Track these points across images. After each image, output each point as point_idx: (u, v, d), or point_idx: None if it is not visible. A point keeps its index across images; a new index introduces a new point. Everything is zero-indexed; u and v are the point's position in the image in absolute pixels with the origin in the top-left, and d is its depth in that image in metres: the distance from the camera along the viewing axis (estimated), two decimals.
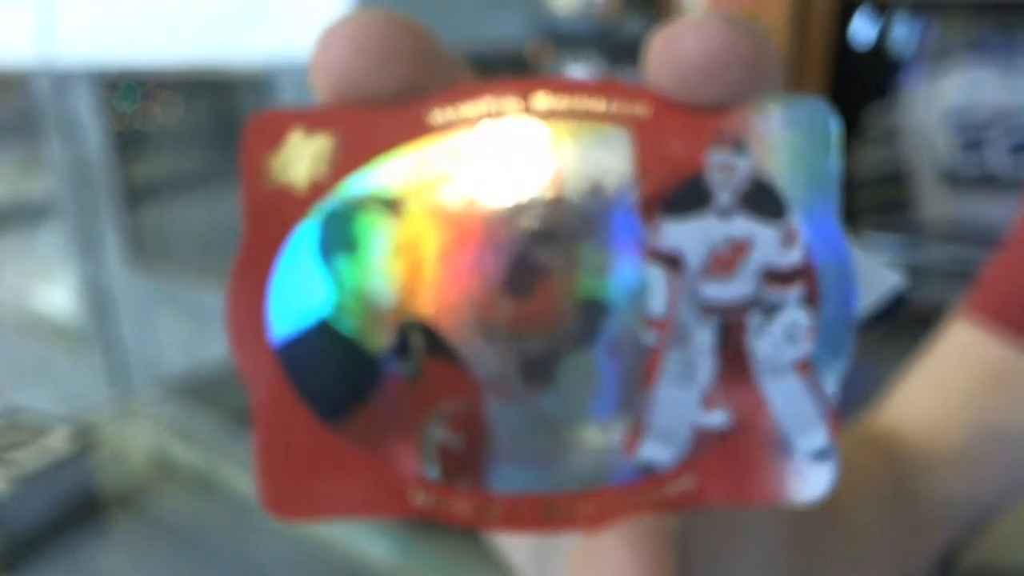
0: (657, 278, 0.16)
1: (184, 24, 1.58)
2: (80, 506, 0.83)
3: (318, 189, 0.16)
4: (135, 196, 1.91)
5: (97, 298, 2.05)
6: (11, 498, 0.78)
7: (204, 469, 0.93)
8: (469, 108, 0.16)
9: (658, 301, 0.16)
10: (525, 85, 0.16)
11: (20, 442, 0.83)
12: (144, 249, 1.92)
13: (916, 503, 0.34)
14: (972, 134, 1.22)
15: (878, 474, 0.34)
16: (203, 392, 1.13)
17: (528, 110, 0.16)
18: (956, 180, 1.25)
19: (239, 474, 0.91)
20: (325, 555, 0.77)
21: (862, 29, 1.31)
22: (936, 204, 1.27)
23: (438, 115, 0.16)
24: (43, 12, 1.82)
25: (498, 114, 0.16)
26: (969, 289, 0.40)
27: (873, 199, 1.28)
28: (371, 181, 0.16)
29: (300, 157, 0.16)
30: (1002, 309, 0.37)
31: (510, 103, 0.16)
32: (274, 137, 0.16)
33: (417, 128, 0.16)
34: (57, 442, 0.84)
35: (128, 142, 1.89)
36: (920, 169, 1.28)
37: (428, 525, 0.84)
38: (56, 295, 2.30)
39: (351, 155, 0.16)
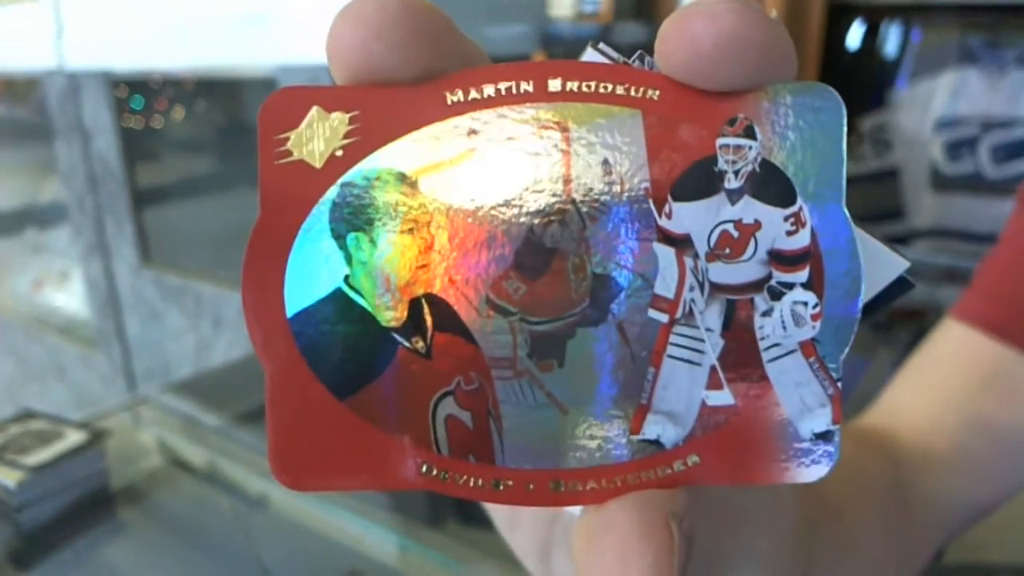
0: (667, 259, 0.16)
1: (192, 29, 1.59)
2: (90, 501, 0.83)
3: (334, 166, 0.16)
4: (146, 198, 1.92)
5: (108, 298, 2.07)
6: (23, 493, 0.78)
7: (210, 466, 0.94)
8: (484, 89, 0.16)
9: (667, 282, 0.16)
10: (541, 68, 0.16)
11: (32, 445, 0.84)
12: (154, 250, 1.93)
13: (915, 505, 0.34)
14: (960, 139, 1.23)
15: (879, 477, 0.34)
16: (210, 391, 1.14)
17: (543, 92, 0.16)
18: (945, 183, 1.26)
19: (245, 471, 0.92)
20: (328, 548, 0.78)
21: (853, 35, 1.32)
22: (925, 206, 1.28)
23: (454, 96, 0.16)
24: (56, 17, 1.84)
25: (513, 96, 0.16)
26: (962, 291, 0.40)
27: (863, 201, 1.29)
28: (386, 159, 0.16)
29: (317, 134, 0.16)
30: (995, 314, 0.37)
31: (525, 85, 0.16)
32: (292, 114, 0.16)
33: (433, 108, 0.16)
34: (69, 439, 0.85)
35: (139, 144, 1.90)
36: (909, 172, 1.29)
37: (431, 521, 0.85)
38: (68, 295, 2.32)
39: (368, 134, 0.16)
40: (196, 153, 2.01)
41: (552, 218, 0.16)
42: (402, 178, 0.16)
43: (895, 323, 1.05)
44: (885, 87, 1.30)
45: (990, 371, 0.37)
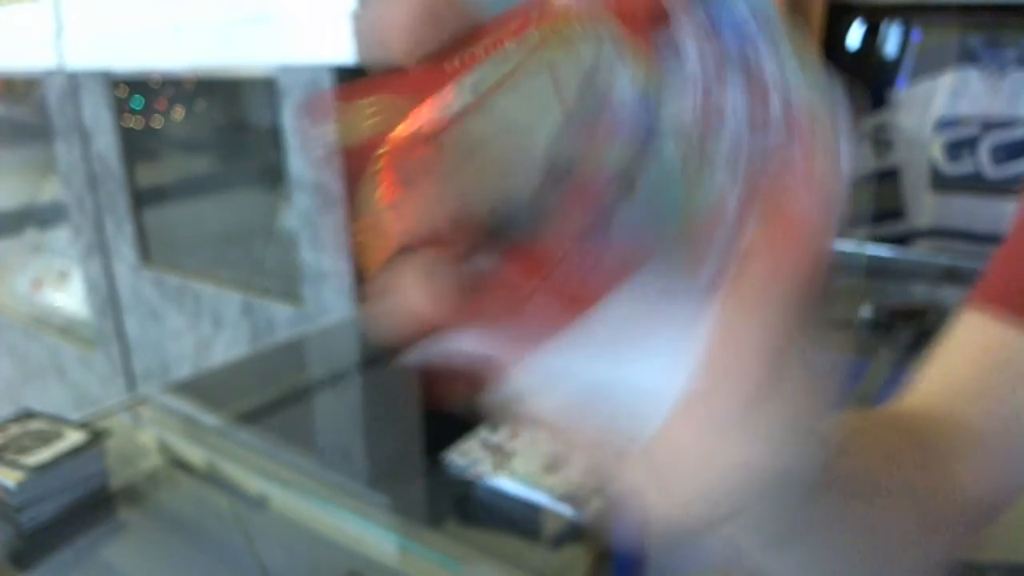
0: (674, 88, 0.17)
1: (193, 29, 1.59)
2: (90, 501, 0.83)
3: (377, 140, 0.18)
4: (145, 198, 1.93)
5: (108, 298, 2.07)
6: (23, 493, 0.78)
7: (210, 466, 0.94)
8: (476, 49, 0.17)
9: (685, 106, 0.18)
10: (521, 17, 0.18)
11: (32, 445, 0.84)
12: (154, 250, 1.94)
13: (938, 491, 0.35)
14: (960, 139, 1.23)
15: (907, 461, 0.34)
16: (210, 391, 1.14)
17: (527, 39, 0.17)
18: (945, 183, 1.26)
19: (245, 471, 0.92)
20: (328, 548, 0.77)
21: (853, 35, 1.32)
22: (925, 206, 1.28)
23: (453, 61, 0.18)
24: (56, 17, 1.85)
25: (500, 47, 0.17)
26: (962, 291, 0.40)
27: (865, 203, 1.29)
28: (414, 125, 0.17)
29: (359, 120, 0.18)
30: (1008, 298, 0.37)
31: (509, 37, 0.17)
32: (331, 109, 0.18)
33: (441, 75, 0.17)
34: (69, 439, 0.85)
35: (139, 144, 1.90)
36: (910, 172, 1.29)
37: (431, 521, 0.85)
38: (68, 295, 2.33)
39: (398, 109, 0.17)
40: (196, 153, 2.02)
41: (563, 134, 0.17)
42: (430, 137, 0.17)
43: (895, 323, 1.05)
44: (885, 87, 1.31)
45: (1005, 356, 0.37)
